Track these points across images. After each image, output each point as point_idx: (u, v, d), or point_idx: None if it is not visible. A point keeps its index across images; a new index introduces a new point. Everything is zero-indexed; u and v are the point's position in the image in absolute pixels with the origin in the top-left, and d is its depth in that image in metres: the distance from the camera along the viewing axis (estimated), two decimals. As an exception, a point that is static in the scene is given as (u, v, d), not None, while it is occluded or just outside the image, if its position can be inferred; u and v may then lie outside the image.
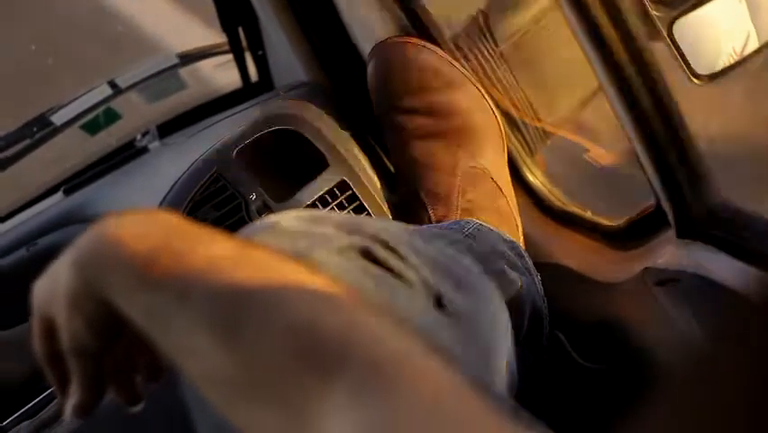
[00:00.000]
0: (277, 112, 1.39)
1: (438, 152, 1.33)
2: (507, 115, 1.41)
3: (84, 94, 1.70)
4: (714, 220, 1.03)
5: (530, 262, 1.24)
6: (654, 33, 1.03)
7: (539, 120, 1.47)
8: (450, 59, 1.35)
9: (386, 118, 1.36)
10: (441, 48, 1.36)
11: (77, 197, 1.56)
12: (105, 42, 3.17)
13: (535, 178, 1.39)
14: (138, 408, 0.82)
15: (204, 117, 1.66)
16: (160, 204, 1.35)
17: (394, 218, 1.36)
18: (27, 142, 1.66)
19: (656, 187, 1.06)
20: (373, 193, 1.36)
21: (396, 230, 0.91)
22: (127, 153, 1.63)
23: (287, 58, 1.57)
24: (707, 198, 1.04)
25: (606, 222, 1.27)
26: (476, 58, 1.44)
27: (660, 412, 0.46)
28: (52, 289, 0.75)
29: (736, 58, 1.13)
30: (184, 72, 1.77)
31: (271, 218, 0.82)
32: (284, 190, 1.33)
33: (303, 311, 0.61)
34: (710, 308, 0.99)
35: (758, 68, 1.16)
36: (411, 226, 1.02)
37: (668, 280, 1.07)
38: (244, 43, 1.74)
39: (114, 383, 0.80)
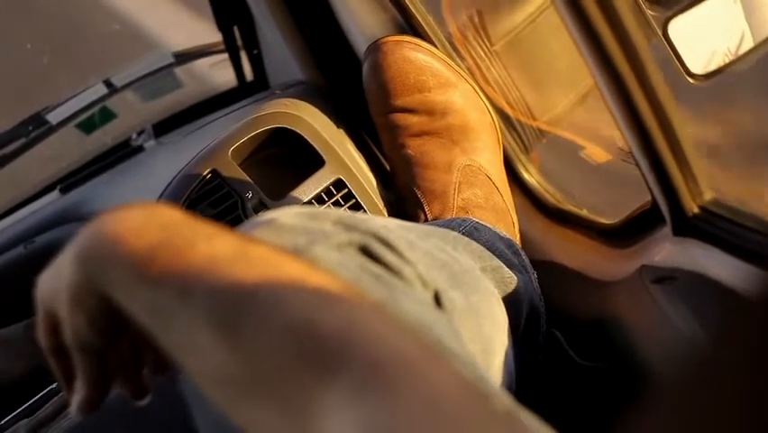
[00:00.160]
0: (272, 110, 1.39)
1: (434, 150, 1.33)
2: (502, 114, 1.42)
3: (79, 93, 1.70)
4: (709, 217, 1.03)
5: (526, 260, 1.25)
6: (650, 33, 1.03)
7: (534, 118, 1.47)
8: (445, 57, 1.35)
9: (381, 117, 1.36)
10: (436, 47, 1.36)
11: (74, 195, 1.56)
12: (102, 41, 3.17)
13: (531, 176, 1.39)
14: (145, 401, 0.82)
15: (199, 116, 1.67)
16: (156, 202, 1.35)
17: (390, 216, 1.36)
18: (23, 140, 1.66)
19: (652, 184, 1.06)
20: (369, 191, 1.36)
21: (393, 227, 0.91)
22: (123, 152, 1.63)
23: (282, 56, 1.57)
24: (702, 195, 1.05)
25: (601, 220, 1.27)
26: (471, 56, 1.45)
27: (658, 411, 0.46)
28: (56, 283, 0.75)
29: (731, 57, 1.14)
30: (179, 71, 1.77)
31: (270, 215, 0.82)
32: (280, 189, 1.34)
33: (302, 309, 0.61)
34: (707, 305, 1.00)
35: (753, 66, 1.16)
36: (408, 223, 1.02)
37: (664, 277, 1.07)
38: (240, 42, 1.74)
39: (120, 378, 0.80)
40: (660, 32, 1.06)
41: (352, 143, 1.42)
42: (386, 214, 1.36)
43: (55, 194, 1.58)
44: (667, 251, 1.09)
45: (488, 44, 1.45)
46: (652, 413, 0.45)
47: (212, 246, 0.67)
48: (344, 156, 1.37)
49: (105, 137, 1.73)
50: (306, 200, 1.32)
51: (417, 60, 1.33)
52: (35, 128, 1.66)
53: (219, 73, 1.84)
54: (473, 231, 1.20)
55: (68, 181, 1.58)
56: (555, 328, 1.25)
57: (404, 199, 1.36)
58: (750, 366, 0.42)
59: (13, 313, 1.30)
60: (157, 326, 0.68)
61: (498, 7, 1.46)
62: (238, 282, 0.64)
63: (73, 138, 1.72)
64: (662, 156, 1.02)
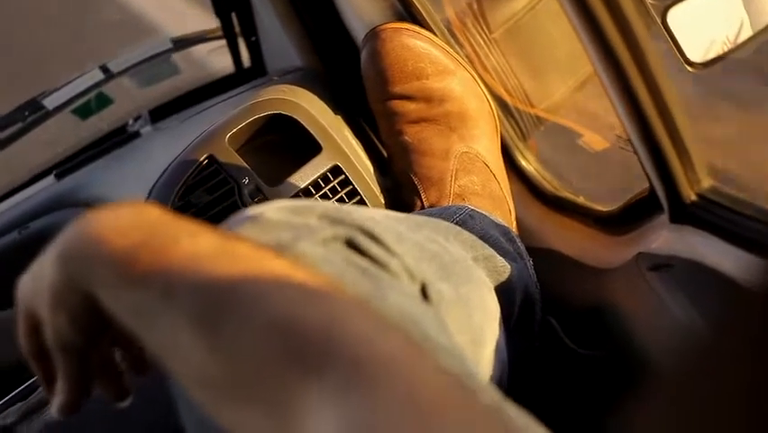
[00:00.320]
0: (270, 97, 1.39)
1: (431, 137, 1.33)
2: (500, 101, 1.42)
3: (76, 78, 1.70)
4: (707, 205, 1.03)
5: (522, 247, 1.24)
6: (649, 21, 1.03)
7: (532, 106, 1.47)
8: (443, 45, 1.35)
9: (379, 104, 1.36)
10: (435, 34, 1.36)
11: (69, 181, 1.55)
12: (100, 26, 3.17)
13: (528, 163, 1.39)
14: (125, 403, 0.81)
15: (196, 102, 1.66)
16: (152, 188, 1.35)
17: (386, 203, 1.36)
18: (19, 125, 1.65)
19: (649, 171, 1.06)
20: (366, 178, 1.36)
21: (382, 219, 0.91)
22: (119, 138, 1.62)
23: (280, 43, 1.57)
24: (700, 182, 1.05)
25: (599, 207, 1.27)
26: (469, 44, 1.45)
27: (656, 399, 0.46)
28: (37, 284, 0.74)
29: (730, 45, 1.14)
30: (177, 57, 1.76)
31: (255, 210, 0.82)
32: (277, 175, 1.33)
33: (283, 306, 0.61)
34: (703, 293, 1.00)
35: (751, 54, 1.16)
36: (398, 214, 1.02)
37: (661, 265, 1.07)
38: (238, 29, 1.73)
39: (101, 379, 0.79)
40: (659, 21, 1.06)
41: (350, 130, 1.42)
42: (382, 200, 1.36)
43: (50, 179, 1.58)
44: (664, 238, 1.09)
45: (486, 31, 1.45)
46: (650, 402, 0.45)
47: (194, 244, 0.66)
48: (342, 143, 1.37)
49: (101, 123, 1.73)
50: (302, 186, 1.32)
51: (416, 48, 1.33)
52: (31, 113, 1.65)
53: (217, 59, 1.83)
54: (468, 219, 1.20)
55: (64, 167, 1.58)
56: (551, 316, 1.25)
57: (401, 186, 1.36)
58: (747, 353, 0.42)
59: (9, 298, 1.30)
60: (140, 326, 0.67)
61: (497, -6, 1.46)
62: (219, 280, 0.63)
63: (69, 123, 1.72)
64: (661, 143, 1.02)
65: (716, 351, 0.46)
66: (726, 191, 1.03)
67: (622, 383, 1.11)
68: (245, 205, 1.29)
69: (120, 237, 0.68)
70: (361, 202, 1.34)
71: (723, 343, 0.46)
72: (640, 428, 0.47)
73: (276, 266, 0.65)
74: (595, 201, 1.30)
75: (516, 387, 0.95)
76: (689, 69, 1.09)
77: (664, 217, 1.08)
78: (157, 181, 1.35)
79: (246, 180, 1.31)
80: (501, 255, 1.13)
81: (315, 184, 1.33)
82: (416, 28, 1.34)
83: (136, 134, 1.63)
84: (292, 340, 0.58)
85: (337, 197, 1.33)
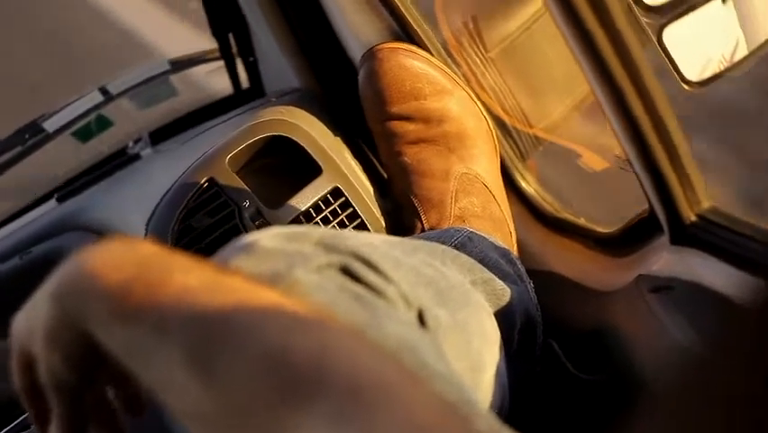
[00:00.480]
0: (269, 118, 1.39)
1: (430, 159, 1.33)
2: (498, 121, 1.42)
3: (75, 100, 1.70)
4: (707, 226, 1.03)
5: (522, 270, 1.24)
6: (645, 40, 1.03)
7: (531, 126, 1.47)
8: (441, 65, 1.35)
9: (378, 124, 1.36)
10: (432, 54, 1.36)
11: (70, 204, 1.55)
12: (98, 49, 3.17)
13: (528, 184, 1.39)
14: None
15: (196, 124, 1.66)
16: (154, 211, 1.35)
17: (387, 225, 1.36)
18: (19, 149, 1.65)
19: (649, 193, 1.06)
20: (366, 200, 1.36)
21: (378, 244, 0.91)
22: (119, 161, 1.62)
23: (278, 64, 1.57)
24: (700, 203, 1.05)
25: (599, 228, 1.27)
26: (467, 64, 1.45)
27: (654, 415, 0.46)
28: (31, 321, 0.74)
29: (726, 64, 1.14)
30: (175, 79, 1.77)
31: (250, 238, 0.82)
32: (277, 197, 1.33)
33: (276, 337, 0.61)
34: (704, 315, 1.00)
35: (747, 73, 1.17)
36: (394, 238, 1.02)
37: (662, 287, 1.07)
38: (235, 50, 1.74)
39: (96, 420, 0.79)
40: (655, 40, 1.06)
41: (349, 151, 1.42)
42: (383, 223, 1.36)
43: (52, 203, 1.58)
44: (665, 260, 1.09)
45: (483, 51, 1.45)
46: (647, 418, 0.46)
47: (187, 278, 0.67)
48: (341, 164, 1.37)
49: (101, 145, 1.73)
50: (303, 209, 1.32)
51: (413, 68, 1.33)
52: (32, 136, 1.65)
53: (215, 80, 1.84)
54: (467, 241, 1.19)
55: (65, 190, 1.58)
56: (553, 339, 1.25)
57: (401, 208, 1.36)
58: (747, 375, 0.42)
59: (10, 324, 1.30)
60: (134, 361, 0.67)
61: (493, 14, 1.46)
62: (211, 313, 0.64)
63: (69, 146, 1.72)
64: (660, 165, 1.02)
65: (715, 372, 0.46)
66: (726, 212, 1.04)
67: (623, 408, 1.11)
68: (246, 228, 1.29)
69: (114, 273, 0.69)
70: (362, 224, 1.34)
71: (722, 364, 0.46)
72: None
73: (268, 297, 0.65)
74: (595, 222, 1.30)
75: (518, 412, 0.95)
76: (685, 87, 1.09)
77: (665, 239, 1.08)
78: (158, 204, 1.35)
79: (247, 203, 1.31)
80: (501, 278, 1.13)
81: (316, 206, 1.33)
82: (413, 48, 1.35)
83: (136, 157, 1.64)
84: (284, 370, 0.59)
85: (338, 219, 1.33)
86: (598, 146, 1.48)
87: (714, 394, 0.44)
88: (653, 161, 1.02)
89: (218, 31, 1.71)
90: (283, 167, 1.38)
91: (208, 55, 1.80)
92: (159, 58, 1.84)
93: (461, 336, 0.92)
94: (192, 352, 0.63)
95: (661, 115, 1.00)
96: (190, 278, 0.67)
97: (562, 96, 1.48)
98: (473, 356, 0.93)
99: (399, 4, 1.36)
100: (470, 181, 1.32)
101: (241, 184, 1.33)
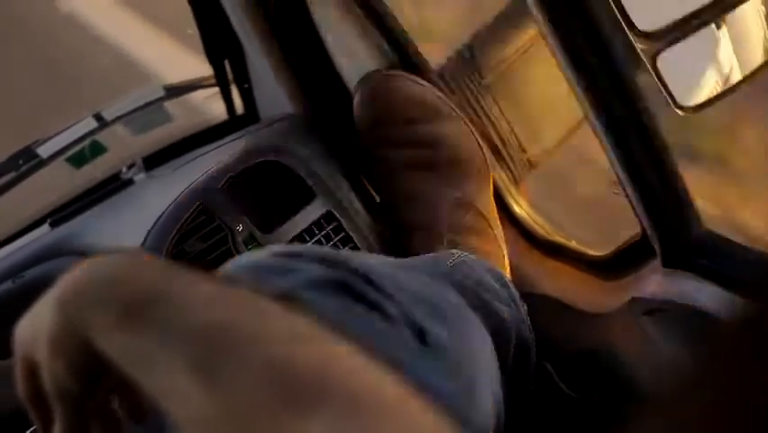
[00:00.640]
0: (263, 144, 1.39)
1: (424, 184, 1.33)
2: (492, 146, 1.42)
3: (70, 126, 1.70)
4: (699, 249, 1.04)
5: (516, 293, 1.24)
6: (639, 65, 1.03)
7: (524, 150, 1.47)
8: (435, 91, 1.35)
9: (372, 150, 1.37)
10: (426, 80, 1.36)
11: (63, 229, 1.55)
12: (92, 74, 3.17)
13: (521, 208, 1.39)
14: None
15: (190, 149, 1.66)
16: (146, 236, 1.35)
17: (380, 249, 1.36)
18: (13, 174, 1.65)
19: (642, 216, 1.07)
20: (359, 224, 1.36)
21: (377, 263, 0.91)
22: (113, 186, 1.62)
23: (273, 90, 1.57)
24: (692, 227, 1.05)
25: (592, 252, 1.27)
26: (461, 89, 1.45)
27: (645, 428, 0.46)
28: (34, 329, 0.74)
29: (720, 89, 1.14)
30: (170, 105, 1.77)
31: (250, 256, 0.82)
32: (270, 222, 1.33)
33: (279, 348, 0.61)
34: (697, 337, 1.00)
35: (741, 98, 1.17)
36: (393, 259, 1.02)
37: (655, 309, 1.07)
38: (230, 76, 1.74)
39: (98, 427, 0.79)
40: (649, 65, 1.07)
41: (343, 177, 1.42)
42: (376, 247, 1.36)
43: (45, 228, 1.57)
44: (657, 283, 1.09)
45: (478, 77, 1.45)
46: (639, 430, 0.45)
47: (191, 291, 0.67)
48: (335, 189, 1.37)
49: (95, 171, 1.73)
50: (296, 233, 1.32)
51: (408, 93, 1.34)
52: (25, 162, 1.65)
53: (210, 106, 1.84)
54: (462, 264, 1.19)
55: (58, 215, 1.57)
56: (546, 361, 1.25)
57: (394, 232, 1.36)
58: (739, 398, 0.42)
59: (5, 347, 1.29)
60: (137, 370, 0.67)
61: (488, 41, 1.47)
62: (215, 322, 0.64)
63: (63, 172, 1.71)
64: (652, 188, 1.02)
65: (707, 394, 0.46)
66: (719, 235, 1.04)
67: (616, 428, 1.10)
68: (239, 252, 1.29)
69: (118, 282, 0.69)
70: (355, 249, 1.34)
71: (714, 386, 0.46)
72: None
73: (272, 309, 0.66)
74: (588, 246, 1.30)
75: (513, 432, 0.95)
76: (679, 112, 1.09)
77: (657, 262, 1.08)
78: (151, 229, 1.35)
79: (240, 228, 1.31)
80: (495, 301, 1.13)
81: (309, 230, 1.33)
82: (408, 74, 1.35)
83: (130, 182, 1.63)
84: (288, 379, 0.59)
85: (330, 243, 1.33)
86: (592, 171, 1.48)
87: (708, 416, 0.44)
88: (646, 186, 1.02)
89: (214, 56, 1.71)
90: (277, 191, 1.38)
91: (203, 81, 1.80)
92: (155, 83, 1.84)
93: (458, 356, 0.92)
94: (196, 360, 0.63)
95: (654, 140, 1.01)
96: (195, 288, 0.67)
97: (556, 122, 1.49)
98: (470, 376, 0.93)
99: (395, 30, 1.37)
100: (464, 206, 1.32)
101: (234, 209, 1.32)
